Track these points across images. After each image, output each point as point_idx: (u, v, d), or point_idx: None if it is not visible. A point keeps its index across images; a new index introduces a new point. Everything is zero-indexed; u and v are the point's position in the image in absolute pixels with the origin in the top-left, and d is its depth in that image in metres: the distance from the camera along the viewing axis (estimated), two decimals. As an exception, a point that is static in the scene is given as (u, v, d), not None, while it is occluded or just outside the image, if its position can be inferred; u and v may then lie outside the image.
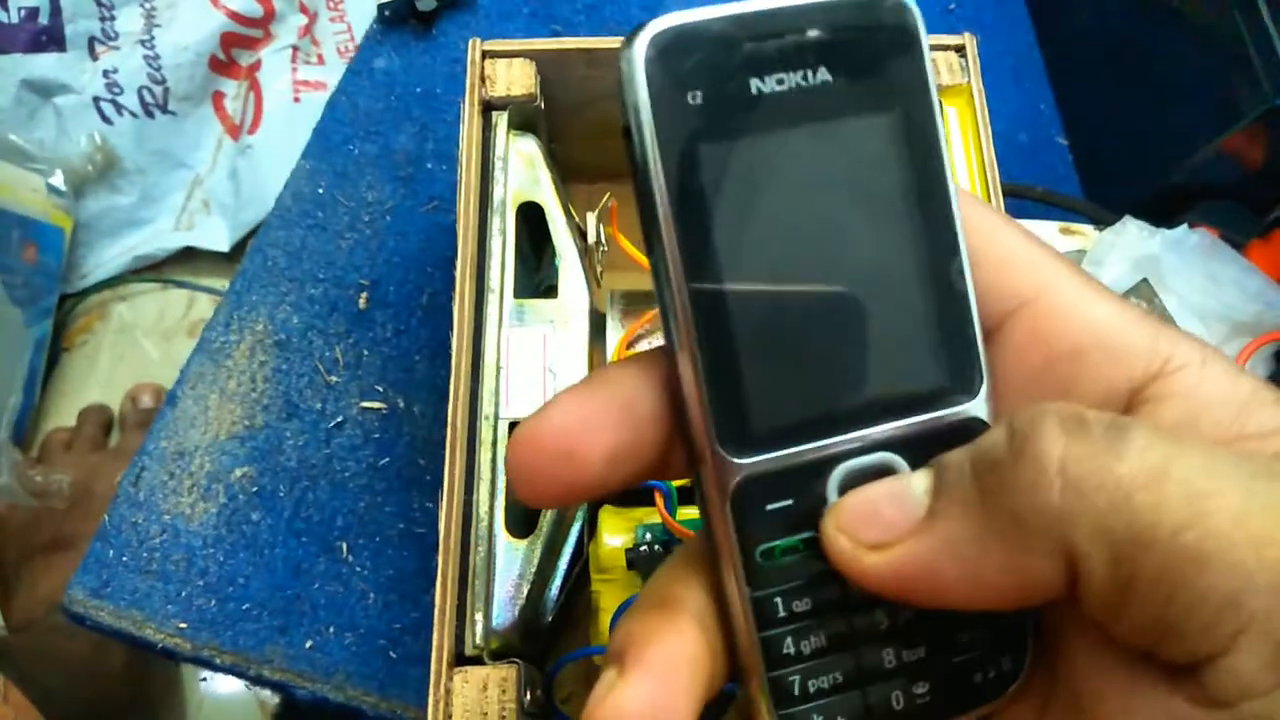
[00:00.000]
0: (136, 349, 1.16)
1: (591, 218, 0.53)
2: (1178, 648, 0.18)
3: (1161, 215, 0.58)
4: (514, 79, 0.51)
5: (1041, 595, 0.19)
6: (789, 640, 0.22)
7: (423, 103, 0.65)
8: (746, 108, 0.21)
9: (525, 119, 0.53)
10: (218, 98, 1.27)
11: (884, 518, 0.20)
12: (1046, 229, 0.62)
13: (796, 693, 0.22)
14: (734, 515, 0.21)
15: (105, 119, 1.21)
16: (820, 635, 0.22)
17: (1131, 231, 0.56)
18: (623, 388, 0.22)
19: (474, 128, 0.50)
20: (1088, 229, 0.61)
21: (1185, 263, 0.55)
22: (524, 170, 0.51)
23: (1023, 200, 0.63)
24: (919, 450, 0.22)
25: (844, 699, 0.22)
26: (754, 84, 0.21)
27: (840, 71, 0.21)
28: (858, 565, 0.21)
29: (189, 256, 1.13)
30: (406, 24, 0.66)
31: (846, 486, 0.22)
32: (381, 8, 0.66)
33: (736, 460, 0.21)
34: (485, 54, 0.51)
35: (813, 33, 0.21)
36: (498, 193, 0.50)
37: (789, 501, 0.22)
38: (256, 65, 1.27)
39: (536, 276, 0.54)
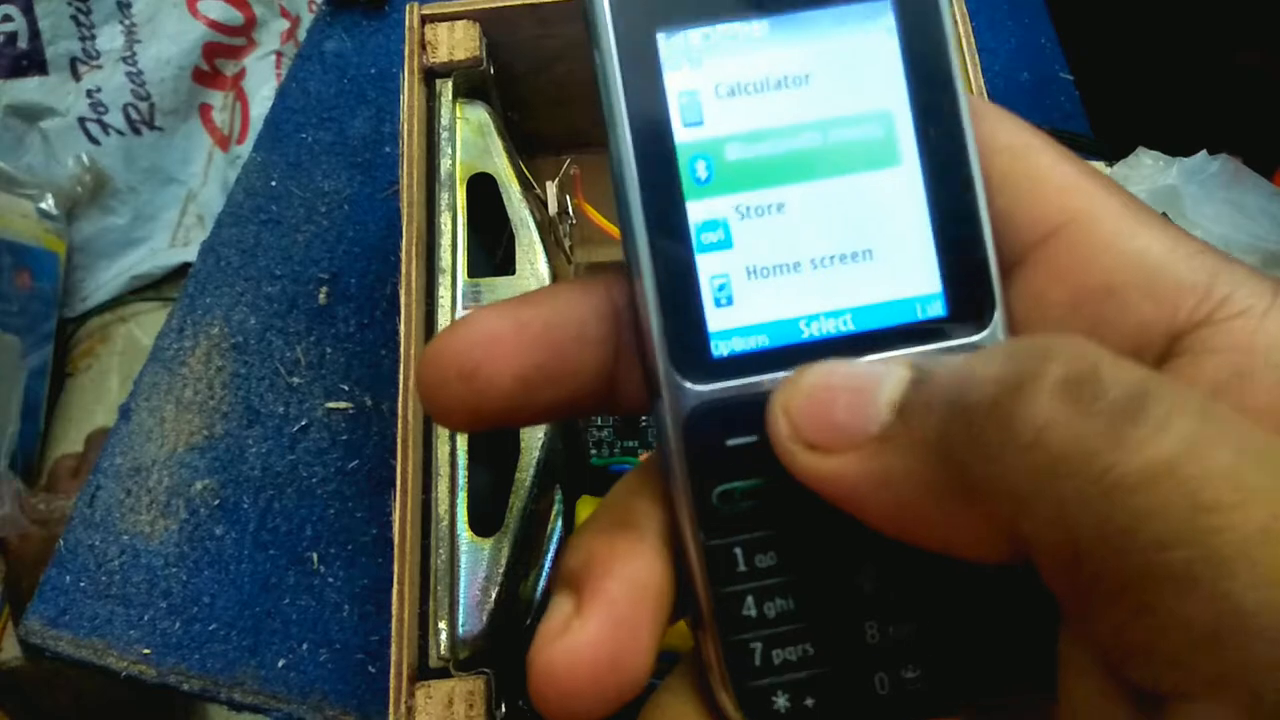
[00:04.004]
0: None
1: (551, 187, 0.49)
2: (1139, 671, 0.14)
3: (1178, 145, 0.53)
4: (457, 43, 0.48)
5: (979, 559, 0.16)
6: (749, 600, 0.19)
7: (377, 84, 0.61)
8: None
9: (473, 85, 0.49)
10: (205, 110, 1.26)
11: (835, 418, 0.17)
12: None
13: (757, 663, 0.18)
14: (688, 449, 0.19)
15: (92, 139, 1.20)
16: (787, 598, 0.19)
17: (1146, 163, 0.52)
18: (550, 306, 0.19)
19: (416, 97, 0.47)
20: (1099, 166, 0.56)
21: (1206, 192, 0.50)
22: (474, 140, 0.48)
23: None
24: None
25: (813, 676, 0.18)
26: None
27: None
28: (792, 460, 0.18)
29: (187, 273, 1.11)
30: (357, 3, 0.63)
31: None
32: (328, -13, 0.62)
33: (693, 386, 0.18)
34: (425, 18, 0.48)
35: None
36: (445, 165, 0.46)
37: (753, 437, 0.18)
38: (241, 74, 1.25)
39: (495, 254, 0.50)
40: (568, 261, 0.53)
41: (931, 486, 0.16)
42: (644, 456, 0.42)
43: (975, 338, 0.19)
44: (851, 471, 0.17)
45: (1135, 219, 0.19)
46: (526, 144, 0.53)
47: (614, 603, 0.18)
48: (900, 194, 0.19)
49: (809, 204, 0.19)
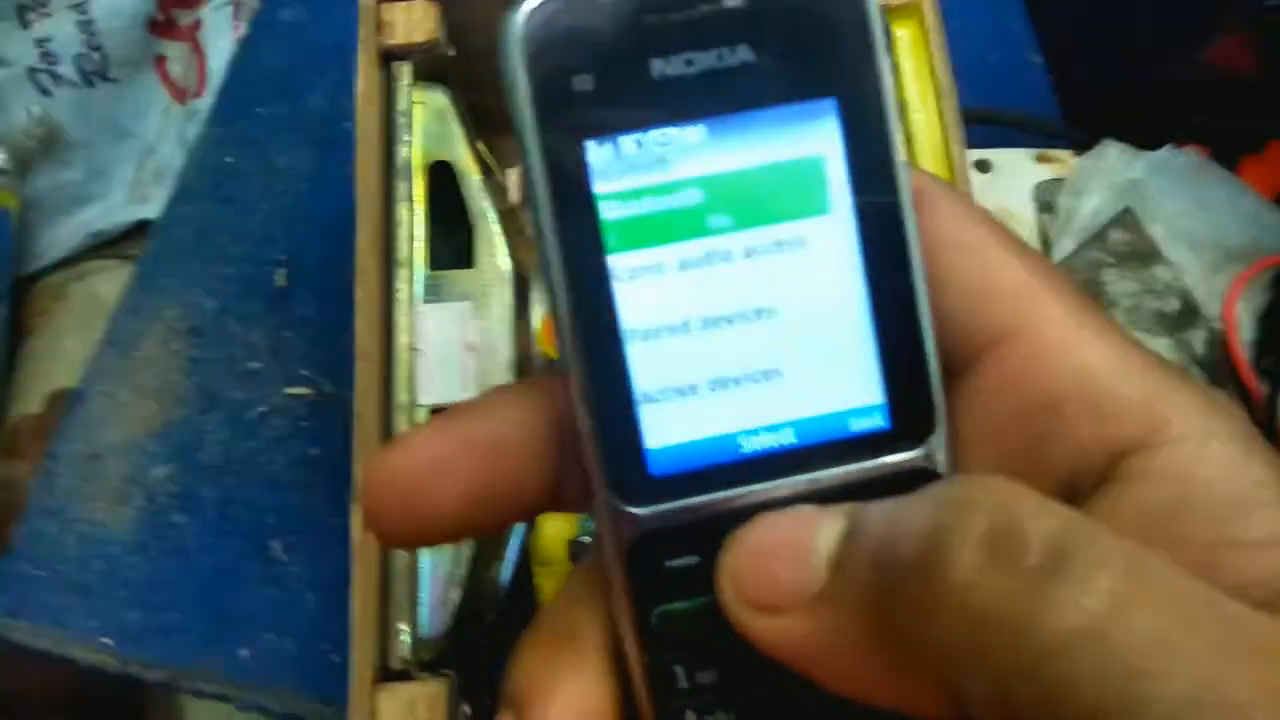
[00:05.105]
0: (100, 329, 1.12)
1: (513, 175, 0.48)
2: None
3: (1147, 135, 0.53)
4: (415, 23, 0.46)
5: (928, 717, 0.16)
6: (690, 716, 0.19)
7: (337, 56, 0.59)
8: (646, 95, 0.17)
9: (433, 69, 0.48)
10: (160, 62, 1.22)
11: (776, 578, 0.17)
12: (1022, 157, 0.57)
13: None
14: (628, 572, 0.18)
15: (44, 91, 1.16)
16: (730, 714, 0.19)
17: (1112, 155, 0.52)
18: (489, 420, 0.19)
19: (371, 81, 0.45)
20: (1066, 155, 0.56)
21: (1172, 186, 0.50)
22: (433, 126, 0.46)
23: (995, 126, 0.58)
24: None
25: None
26: (655, 66, 0.17)
27: (765, 51, 0.18)
28: (740, 623, 0.17)
29: (145, 230, 1.08)
30: (314, -31, 0.60)
31: None
32: (284, -48, 0.60)
33: (632, 510, 0.18)
34: (381, -2, 0.46)
35: (731, 3, 0.17)
36: (402, 152, 0.45)
37: (693, 559, 0.18)
38: (196, 25, 1.21)
39: (456, 244, 0.49)
40: (531, 250, 0.53)
41: (871, 646, 0.16)
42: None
43: (916, 452, 0.18)
44: (797, 631, 0.16)
45: (1086, 329, 0.18)
46: (488, 123, 0.52)
47: None
48: (843, 302, 0.18)
49: (750, 317, 0.18)
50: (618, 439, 0.18)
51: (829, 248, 0.18)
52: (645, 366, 0.18)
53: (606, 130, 0.17)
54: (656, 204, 0.18)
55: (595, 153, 0.17)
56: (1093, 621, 0.14)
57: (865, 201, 0.18)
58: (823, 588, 0.16)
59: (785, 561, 0.17)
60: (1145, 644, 0.13)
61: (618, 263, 0.18)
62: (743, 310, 0.18)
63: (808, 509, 0.18)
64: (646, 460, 0.18)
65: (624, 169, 0.17)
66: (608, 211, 0.17)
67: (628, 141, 0.17)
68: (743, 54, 0.17)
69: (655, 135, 0.17)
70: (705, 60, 0.17)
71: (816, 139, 0.18)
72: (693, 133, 0.18)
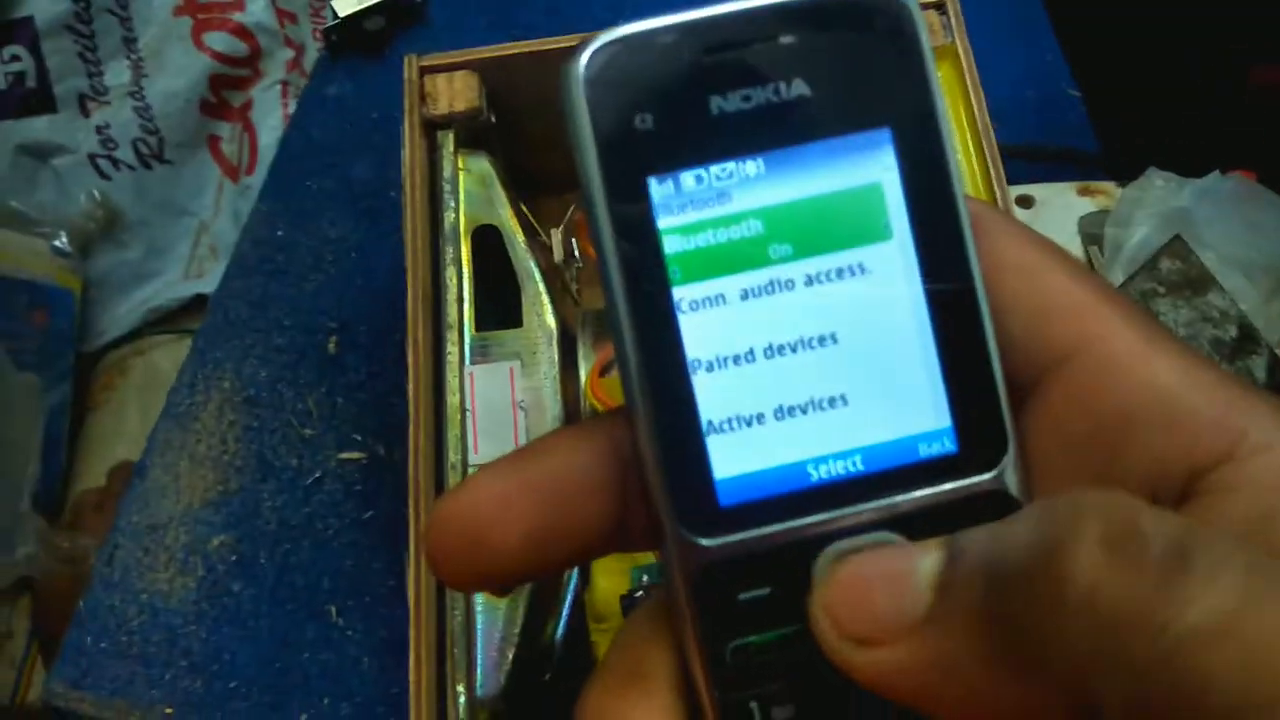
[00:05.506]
0: (160, 402, 1.15)
1: (556, 234, 0.49)
2: None
3: (1190, 162, 0.52)
4: (457, 93, 0.48)
5: None
6: None
7: (380, 128, 0.61)
8: (705, 132, 0.18)
9: (475, 135, 0.49)
10: (213, 141, 1.26)
11: (876, 608, 0.17)
12: (1065, 190, 0.57)
13: None
14: (699, 606, 0.18)
15: (103, 175, 1.20)
16: None
17: (1158, 184, 0.51)
18: (553, 460, 0.19)
19: (417, 150, 0.46)
20: (1109, 186, 0.55)
21: (1221, 212, 0.49)
22: (477, 191, 0.47)
23: (1035, 161, 0.58)
24: (927, 531, 0.18)
25: None
26: (714, 103, 0.18)
27: (820, 84, 0.18)
28: (841, 659, 0.17)
29: (202, 304, 1.11)
30: (356, 48, 0.62)
31: None
32: (327, 32, 0.62)
33: (700, 541, 0.18)
34: (423, 69, 0.47)
35: (785, 39, 0.18)
36: (449, 218, 0.46)
37: (765, 590, 0.18)
38: (248, 105, 1.25)
39: (502, 305, 0.50)
40: (575, 304, 0.53)
41: (988, 662, 0.15)
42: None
43: (988, 474, 0.18)
44: (902, 661, 0.16)
45: (1152, 343, 0.18)
46: (530, 184, 0.53)
47: None
48: (907, 327, 0.18)
49: (814, 344, 0.18)
50: (685, 471, 0.18)
51: (891, 273, 0.18)
52: (711, 397, 0.18)
53: (668, 167, 0.18)
54: (718, 236, 0.18)
55: (658, 189, 0.18)
56: (1225, 617, 0.13)
57: (925, 226, 0.18)
58: (928, 611, 0.16)
59: (884, 591, 0.16)
60: (1277, 639, 0.13)
61: (681, 294, 0.18)
62: (806, 338, 0.18)
63: (900, 544, 0.17)
64: (715, 491, 0.18)
65: (686, 203, 0.18)
66: (671, 245, 0.18)
67: (688, 177, 0.18)
68: (799, 88, 0.18)
69: (715, 170, 0.18)
70: (762, 95, 0.18)
71: (874, 167, 0.18)
72: (752, 166, 0.18)
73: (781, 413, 0.18)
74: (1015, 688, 0.15)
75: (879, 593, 0.17)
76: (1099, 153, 0.60)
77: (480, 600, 0.41)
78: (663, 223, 0.18)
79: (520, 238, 0.47)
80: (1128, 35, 0.58)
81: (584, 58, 0.17)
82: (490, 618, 0.41)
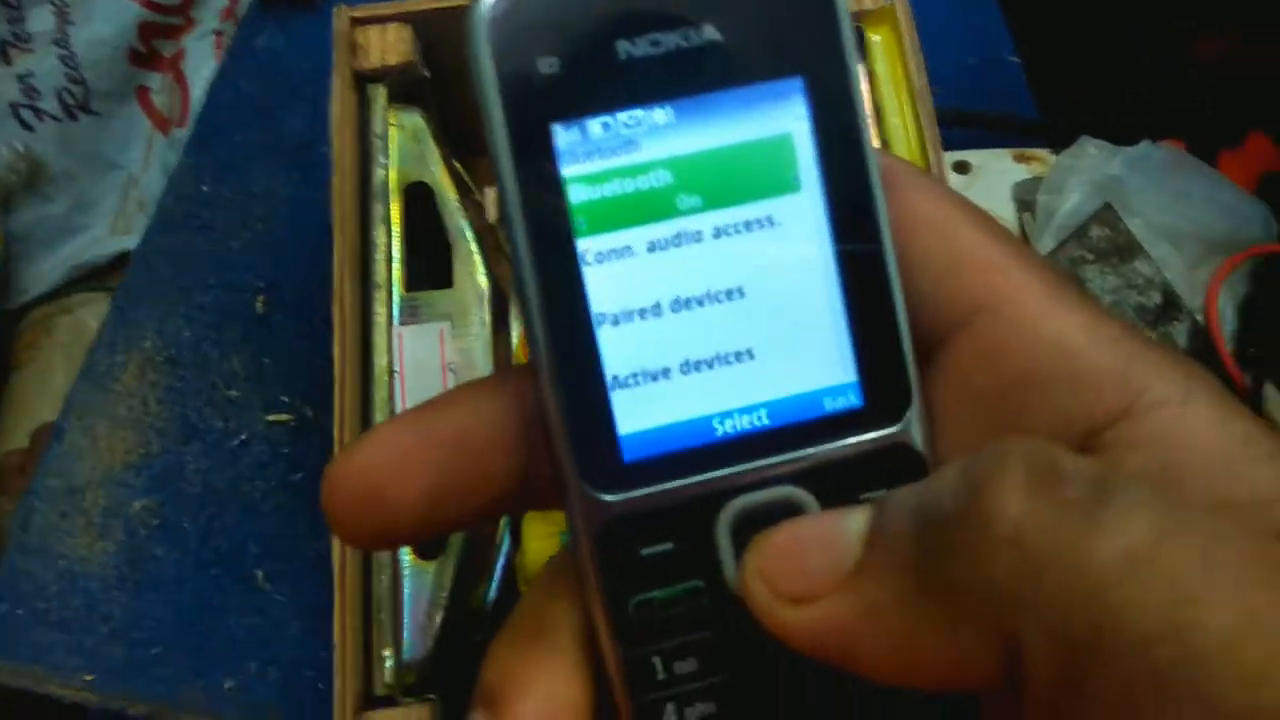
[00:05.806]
0: (87, 363, 1.12)
1: (490, 193, 0.48)
2: None
3: (1124, 131, 0.53)
4: (389, 46, 0.46)
5: (976, 682, 0.15)
6: (670, 709, 0.18)
7: (313, 81, 0.59)
8: (613, 77, 0.17)
9: (408, 90, 0.47)
10: (142, 92, 1.22)
11: (809, 564, 0.16)
12: (1001, 157, 0.57)
13: None
14: (601, 561, 0.18)
15: (26, 126, 1.15)
16: (709, 704, 0.18)
17: (1090, 153, 0.51)
18: (456, 414, 0.19)
19: (346, 104, 0.45)
20: (1044, 153, 0.56)
21: (1150, 181, 0.50)
22: (409, 147, 0.46)
23: (972, 127, 0.58)
24: (831, 485, 0.18)
25: None
26: (622, 47, 0.17)
27: (732, 31, 0.17)
28: (774, 619, 0.17)
29: (130, 261, 1.07)
30: (286, 1, 0.60)
31: (740, 527, 0.18)
32: (258, -20, 0.60)
33: (603, 497, 0.18)
34: (354, 21, 0.46)
35: None
36: (379, 175, 0.45)
37: (668, 545, 0.18)
38: (179, 55, 1.21)
39: (434, 265, 0.49)
40: (508, 264, 0.52)
41: (916, 608, 0.15)
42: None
43: (893, 429, 0.18)
44: (833, 615, 0.16)
45: (1059, 301, 0.18)
46: (465, 142, 0.52)
47: None
48: (814, 281, 0.18)
49: (721, 298, 0.18)
50: (589, 425, 0.17)
51: (799, 226, 0.18)
52: (616, 351, 0.17)
53: (574, 113, 0.17)
54: (625, 186, 0.17)
55: (562, 136, 0.17)
56: (1141, 548, 0.14)
57: (835, 179, 0.18)
58: (857, 561, 0.16)
59: (816, 549, 0.16)
60: (1192, 570, 0.13)
61: (586, 246, 0.17)
62: (713, 291, 0.18)
63: (825, 513, 0.17)
64: (619, 446, 0.18)
65: (591, 151, 0.17)
66: (576, 194, 0.17)
67: (595, 124, 0.17)
68: (710, 34, 0.17)
69: (623, 117, 0.17)
70: (672, 41, 0.17)
71: (785, 118, 0.18)
72: (661, 114, 0.17)
73: (687, 367, 0.18)
74: (942, 636, 0.15)
75: (812, 550, 0.17)
76: (1037, 120, 0.60)
77: (408, 564, 0.41)
78: (567, 171, 0.17)
79: (453, 196, 0.46)
80: (1072, 4, 0.58)
81: (486, 1, 0.17)
82: (418, 581, 0.41)
